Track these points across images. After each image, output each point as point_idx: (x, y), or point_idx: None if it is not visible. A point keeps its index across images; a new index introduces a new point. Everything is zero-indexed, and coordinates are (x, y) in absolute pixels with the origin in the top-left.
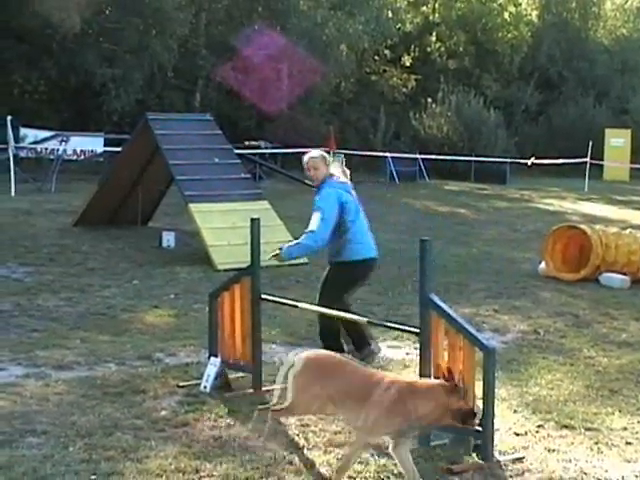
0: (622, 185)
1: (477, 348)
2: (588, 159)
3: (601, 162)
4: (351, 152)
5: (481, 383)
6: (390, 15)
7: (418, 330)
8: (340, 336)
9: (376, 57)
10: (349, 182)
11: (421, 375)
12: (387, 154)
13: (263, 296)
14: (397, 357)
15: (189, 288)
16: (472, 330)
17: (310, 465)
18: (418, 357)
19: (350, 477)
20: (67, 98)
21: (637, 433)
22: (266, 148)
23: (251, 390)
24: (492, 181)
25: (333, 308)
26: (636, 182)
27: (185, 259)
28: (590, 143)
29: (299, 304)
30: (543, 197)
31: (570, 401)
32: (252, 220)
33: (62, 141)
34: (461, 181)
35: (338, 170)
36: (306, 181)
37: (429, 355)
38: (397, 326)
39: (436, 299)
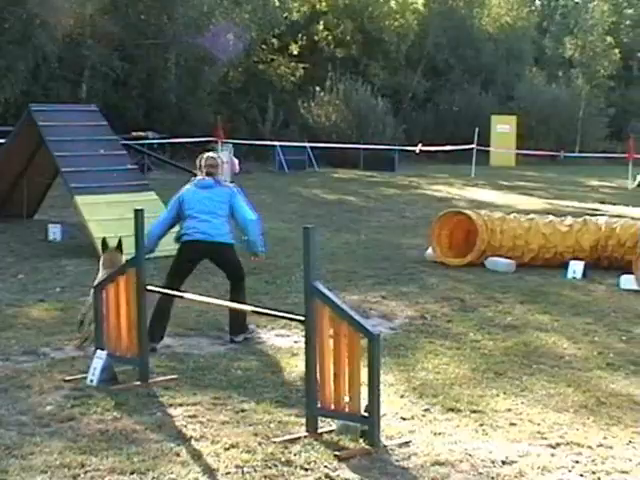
0: (508, 170)
1: (362, 335)
2: (475, 145)
3: (488, 148)
4: (240, 141)
5: (366, 369)
6: (277, 4)
7: (303, 318)
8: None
9: (264, 46)
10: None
11: (308, 363)
12: (276, 143)
13: (149, 287)
14: (285, 345)
15: (76, 281)
16: (357, 317)
17: (197, 456)
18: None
19: (237, 466)
20: None
21: (521, 414)
22: (154, 138)
23: (138, 382)
24: (381, 168)
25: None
26: (521, 167)
27: (72, 252)
28: (477, 129)
29: (184, 294)
30: (431, 183)
31: (456, 384)
32: (136, 211)
33: None
34: (350, 169)
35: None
36: (195, 171)
37: (315, 343)
38: (283, 314)
39: (320, 287)
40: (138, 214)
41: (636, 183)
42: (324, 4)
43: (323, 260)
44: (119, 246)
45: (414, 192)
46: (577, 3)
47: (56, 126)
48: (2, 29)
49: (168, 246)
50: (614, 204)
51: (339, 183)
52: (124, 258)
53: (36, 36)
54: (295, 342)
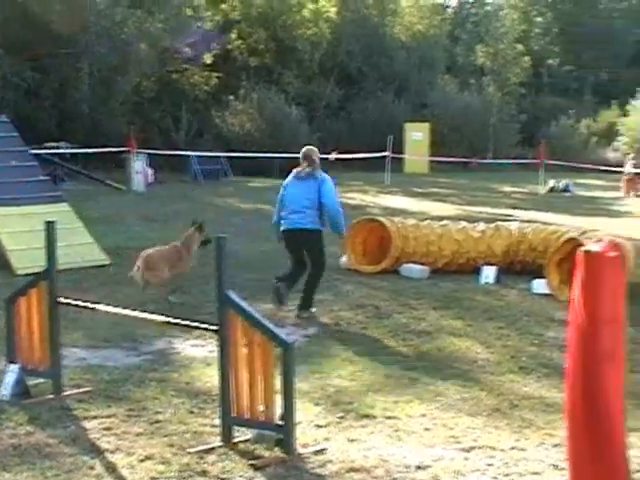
0: (422, 178)
1: (276, 343)
2: (389, 153)
3: (402, 156)
4: (154, 151)
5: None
6: (190, 13)
7: (216, 328)
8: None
9: (177, 55)
10: None
11: (222, 373)
12: (190, 152)
13: (61, 300)
14: (200, 355)
15: None
16: (270, 326)
17: (112, 469)
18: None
19: (152, 478)
20: None
21: (435, 419)
22: (67, 149)
23: (51, 396)
24: None
25: None
26: (435, 174)
27: None
28: (391, 137)
29: (97, 306)
30: (345, 191)
31: (371, 391)
32: (47, 223)
33: None
34: (265, 177)
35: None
36: (109, 182)
37: (229, 352)
38: (196, 325)
39: (233, 296)
40: (50, 226)
41: (547, 188)
42: (237, 13)
43: (239, 269)
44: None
45: None
46: (488, 11)
47: None
48: None
49: (79, 258)
50: (526, 209)
51: (254, 192)
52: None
53: None
54: (210, 352)
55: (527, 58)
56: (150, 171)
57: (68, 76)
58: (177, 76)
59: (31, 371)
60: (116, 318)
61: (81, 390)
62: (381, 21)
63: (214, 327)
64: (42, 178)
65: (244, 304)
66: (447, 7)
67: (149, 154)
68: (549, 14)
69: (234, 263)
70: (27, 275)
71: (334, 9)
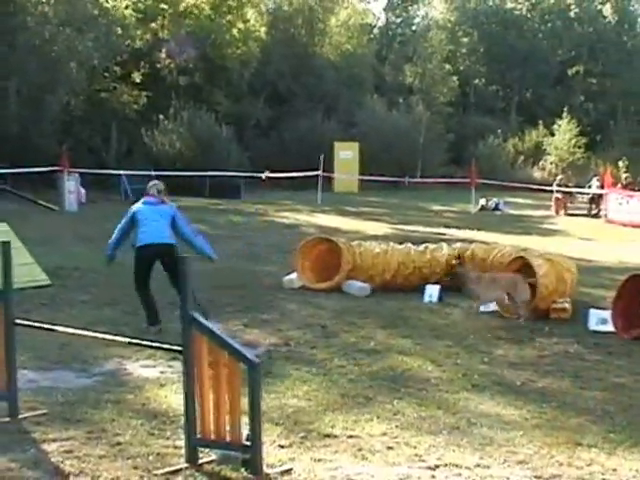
0: (352, 197)
1: (242, 363)
2: (320, 172)
3: (332, 175)
4: (85, 171)
5: (246, 398)
6: (120, 32)
7: (181, 348)
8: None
9: (106, 74)
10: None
11: (187, 393)
12: (121, 172)
13: (17, 321)
14: (152, 376)
15: None
16: (236, 345)
17: None
18: (174, 375)
19: None
20: None
21: (396, 437)
22: None
23: (7, 418)
24: (227, 196)
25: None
26: (365, 193)
27: None
28: (322, 156)
29: (55, 327)
30: (278, 210)
31: (329, 410)
32: (2, 243)
33: None
34: (195, 196)
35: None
36: (41, 202)
37: (193, 373)
38: (160, 345)
39: (198, 316)
40: (5, 246)
41: (478, 207)
42: (166, 32)
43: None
44: None
45: (262, 219)
46: (415, 31)
47: None
48: None
49: (20, 279)
50: (458, 228)
51: (186, 211)
52: None
53: None
54: (161, 372)
55: (454, 78)
56: (83, 191)
57: None
58: (106, 95)
59: None
60: (64, 339)
61: (37, 412)
62: (310, 40)
63: (178, 347)
64: None
65: (209, 324)
66: (374, 27)
67: (81, 173)
68: (475, 34)
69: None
70: None
71: (263, 29)
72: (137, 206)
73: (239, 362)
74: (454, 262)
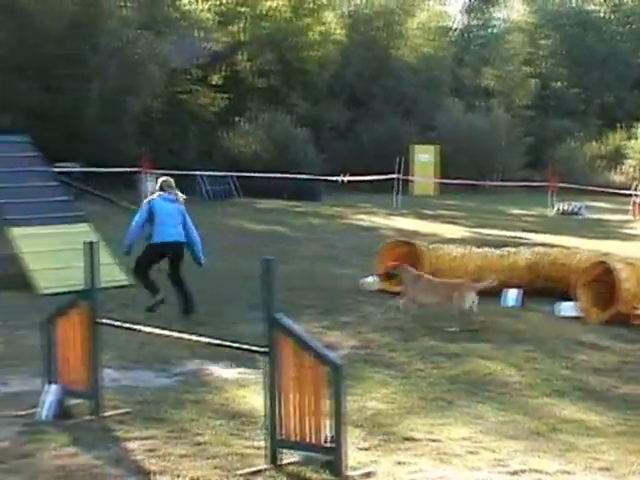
0: (430, 200)
1: (326, 365)
2: (398, 175)
3: (410, 178)
4: (164, 172)
5: (329, 400)
6: (199, 34)
7: (265, 350)
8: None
9: (186, 76)
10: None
11: (270, 395)
12: (199, 173)
13: (102, 320)
14: (231, 377)
15: (12, 314)
16: (320, 347)
17: None
18: (253, 376)
19: None
20: None
21: (478, 442)
22: (77, 168)
23: (91, 417)
24: (304, 198)
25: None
26: (443, 196)
27: (6, 284)
28: (400, 159)
29: (137, 327)
30: (356, 213)
31: (409, 413)
32: (86, 244)
33: None
34: (273, 199)
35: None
36: (120, 202)
37: (277, 374)
38: (241, 346)
39: (282, 318)
40: (91, 246)
41: (555, 211)
42: (245, 34)
43: (255, 290)
44: None
45: (340, 222)
46: (494, 34)
47: None
48: None
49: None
50: (537, 232)
51: (264, 213)
52: None
53: None
54: (240, 373)
55: (534, 80)
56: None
57: (79, 96)
58: (185, 97)
59: (71, 391)
60: (144, 339)
61: (119, 411)
62: (389, 43)
63: (263, 349)
64: (64, 198)
65: (294, 326)
66: (454, 29)
67: (160, 174)
68: (556, 36)
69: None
70: (50, 295)
71: (342, 31)
72: (155, 201)
73: (323, 364)
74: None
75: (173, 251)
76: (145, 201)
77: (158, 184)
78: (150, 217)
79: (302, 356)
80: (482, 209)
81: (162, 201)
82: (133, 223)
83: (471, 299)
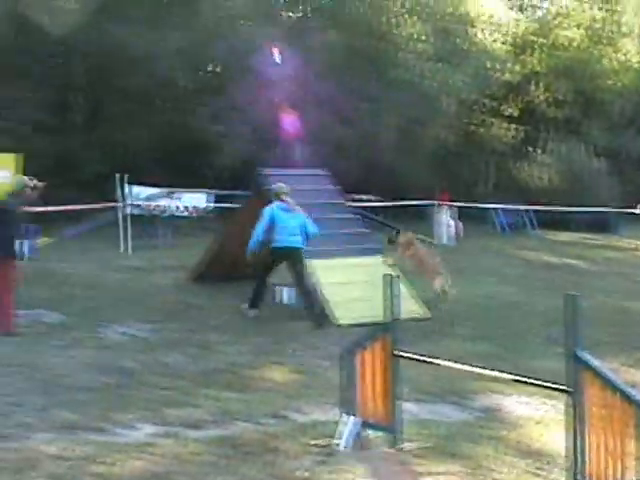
0: None
1: (631, 405)
2: None
3: None
4: (459, 204)
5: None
6: (492, 65)
7: (566, 387)
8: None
9: (479, 108)
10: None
11: (574, 435)
12: (493, 205)
13: (400, 353)
14: (529, 413)
15: (310, 344)
16: (626, 387)
17: None
18: (552, 413)
19: None
20: (175, 155)
21: None
22: (372, 201)
23: (388, 449)
24: (600, 230)
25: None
26: None
27: (304, 315)
28: None
29: (435, 360)
30: None
31: None
32: (386, 276)
33: (172, 198)
34: (568, 231)
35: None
36: (417, 235)
37: (581, 414)
38: (543, 384)
39: (587, 356)
40: (389, 279)
41: None
42: (539, 64)
43: (551, 324)
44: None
45: (638, 255)
46: None
47: None
48: (226, 95)
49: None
50: None
51: (559, 245)
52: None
53: (258, 102)
54: (536, 410)
55: None
56: (460, 224)
57: (373, 129)
58: (478, 129)
59: (368, 423)
60: (440, 372)
61: (417, 445)
62: None
63: (564, 387)
64: (362, 230)
65: (599, 364)
66: None
67: (456, 207)
68: None
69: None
70: (348, 326)
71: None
72: (274, 212)
73: (629, 404)
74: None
75: (289, 256)
76: (266, 210)
77: (272, 191)
78: (271, 226)
79: (607, 395)
80: None
81: (280, 212)
82: (257, 230)
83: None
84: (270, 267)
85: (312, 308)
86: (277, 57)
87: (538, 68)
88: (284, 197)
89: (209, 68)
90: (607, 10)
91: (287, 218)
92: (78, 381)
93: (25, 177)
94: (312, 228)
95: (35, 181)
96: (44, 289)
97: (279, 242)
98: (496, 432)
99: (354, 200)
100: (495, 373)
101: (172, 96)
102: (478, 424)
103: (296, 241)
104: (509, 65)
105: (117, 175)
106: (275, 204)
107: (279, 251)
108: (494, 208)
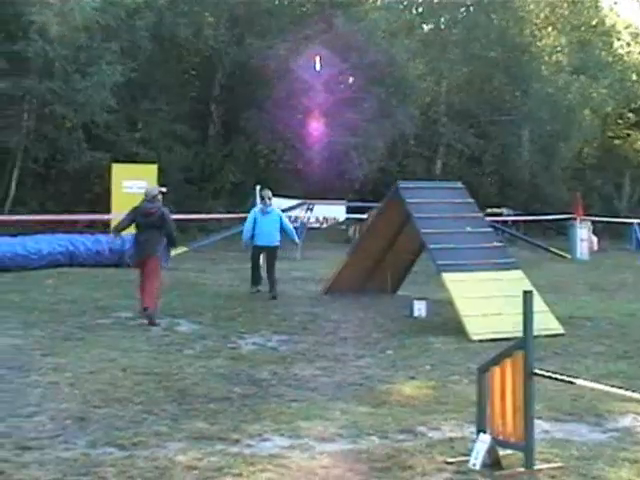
0: None
1: None
2: None
3: None
4: (596, 219)
5: None
6: (635, 78)
7: None
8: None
9: (619, 121)
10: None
11: None
12: (634, 220)
13: (536, 371)
14: None
15: (444, 359)
16: None
17: None
18: None
19: None
20: (310, 167)
21: None
22: (508, 215)
23: (523, 469)
24: None
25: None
26: None
27: (437, 329)
28: None
29: (575, 380)
30: None
31: None
32: (525, 293)
33: (307, 209)
34: None
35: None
36: (552, 249)
37: None
38: None
39: None
40: (527, 296)
41: None
42: None
43: None
44: None
45: None
46: None
47: (423, 203)
48: (361, 107)
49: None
50: None
51: None
52: None
53: (394, 114)
54: None
55: None
56: (595, 239)
57: (509, 142)
58: (619, 142)
59: (502, 442)
60: (577, 391)
61: (552, 465)
62: None
63: None
64: (496, 244)
65: None
66: None
67: (592, 221)
68: None
69: None
70: (481, 341)
71: None
72: (256, 214)
73: None
74: None
75: (266, 250)
76: (251, 212)
77: (258, 195)
78: (253, 226)
79: None
80: None
81: (260, 215)
82: (245, 229)
83: None
84: (256, 257)
85: (272, 290)
86: (318, 66)
87: None
88: (267, 201)
89: (341, 81)
90: None
91: (264, 220)
92: (210, 391)
93: (156, 185)
94: (287, 226)
95: (163, 189)
96: (178, 298)
97: (258, 240)
98: (634, 455)
99: (488, 215)
100: (636, 395)
101: (308, 109)
102: (615, 446)
103: (270, 240)
104: None
105: (257, 187)
106: (258, 207)
107: (258, 247)
108: (631, 223)
